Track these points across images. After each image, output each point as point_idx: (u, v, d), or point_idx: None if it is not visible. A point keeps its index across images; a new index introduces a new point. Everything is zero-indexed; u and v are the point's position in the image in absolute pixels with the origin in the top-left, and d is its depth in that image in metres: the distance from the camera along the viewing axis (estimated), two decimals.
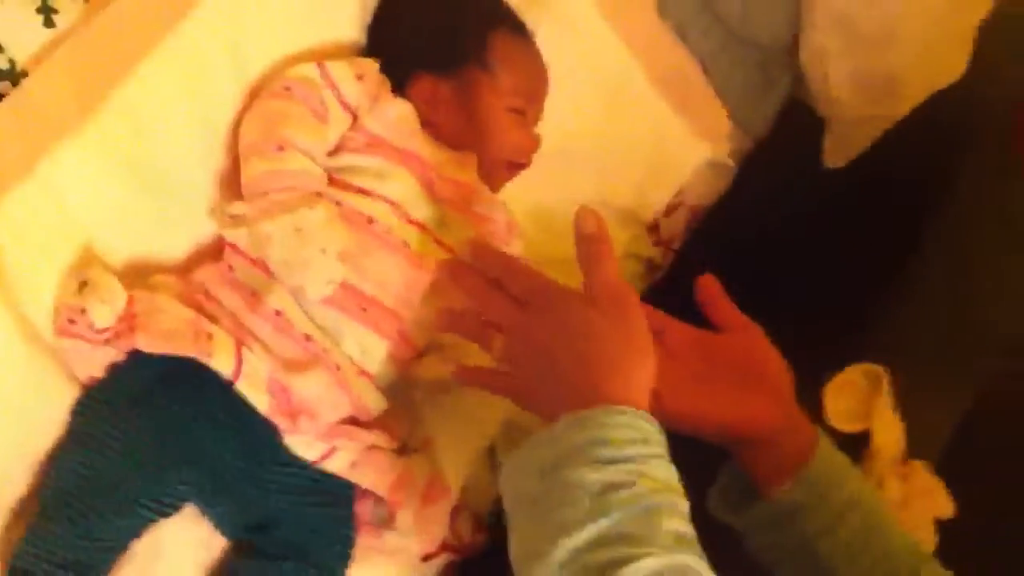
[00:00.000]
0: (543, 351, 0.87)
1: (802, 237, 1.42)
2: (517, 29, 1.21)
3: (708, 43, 1.46)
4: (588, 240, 0.90)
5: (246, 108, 1.06)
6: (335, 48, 1.15)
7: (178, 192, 1.05)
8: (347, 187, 1.07)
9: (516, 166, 1.20)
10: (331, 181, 1.07)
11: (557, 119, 1.29)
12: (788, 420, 0.97)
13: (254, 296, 1.02)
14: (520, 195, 1.27)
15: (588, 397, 0.80)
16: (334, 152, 1.09)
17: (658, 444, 0.80)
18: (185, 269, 1.06)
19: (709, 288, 1.04)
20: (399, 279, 1.05)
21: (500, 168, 1.18)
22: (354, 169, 1.08)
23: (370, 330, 1.04)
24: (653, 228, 1.46)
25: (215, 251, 1.07)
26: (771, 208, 1.46)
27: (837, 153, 1.46)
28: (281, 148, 1.01)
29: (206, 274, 1.04)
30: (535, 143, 1.19)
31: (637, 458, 0.77)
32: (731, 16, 1.43)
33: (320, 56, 1.11)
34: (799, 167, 1.49)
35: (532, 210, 1.30)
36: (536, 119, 1.21)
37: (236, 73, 1.06)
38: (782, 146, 1.55)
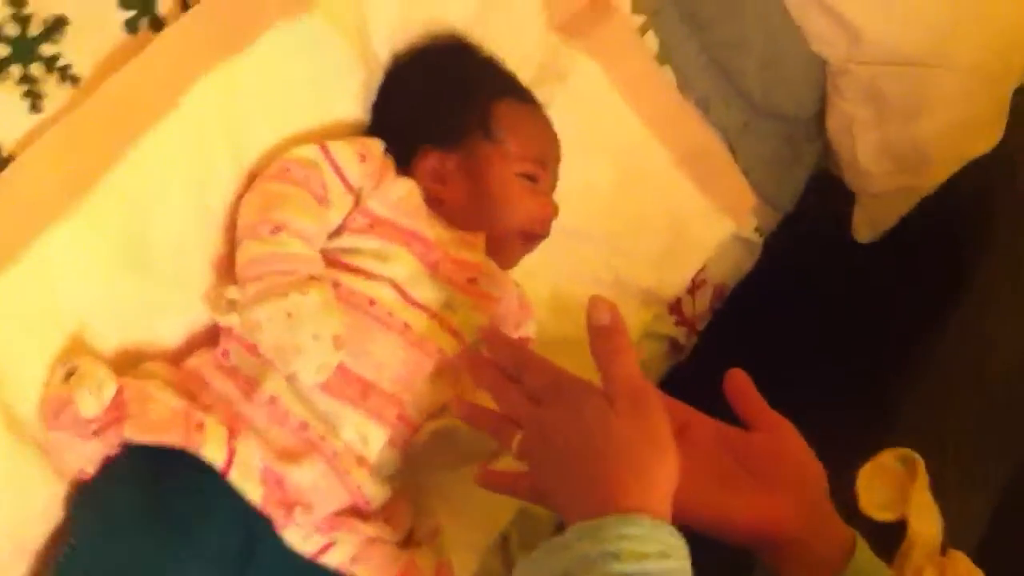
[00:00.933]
0: (560, 451, 0.84)
1: (830, 315, 1.38)
2: (522, 98, 1.20)
3: (732, 117, 1.44)
4: (603, 333, 0.86)
5: (244, 191, 1.05)
6: (338, 127, 1.13)
7: (172, 277, 1.02)
8: (348, 268, 1.04)
9: (532, 237, 1.16)
10: (332, 263, 1.05)
11: (572, 196, 1.26)
12: (821, 524, 0.92)
13: (249, 383, 0.99)
14: (534, 275, 1.25)
15: (605, 502, 0.77)
16: (336, 233, 1.07)
17: (679, 557, 0.75)
18: (179, 356, 1.03)
19: (739, 382, 0.98)
20: (400, 363, 1.02)
21: (514, 240, 1.15)
22: (356, 250, 1.06)
23: (369, 417, 1.00)
24: (675, 307, 1.43)
25: (210, 337, 1.04)
26: (799, 285, 1.43)
27: (867, 227, 1.42)
28: (276, 230, 0.99)
29: (200, 360, 1.02)
30: (550, 210, 1.16)
31: (654, 573, 0.73)
32: (754, 90, 1.41)
33: (322, 136, 1.09)
34: (828, 242, 1.46)
35: (547, 290, 1.29)
36: (550, 186, 1.19)
37: (233, 155, 1.04)
38: (811, 220, 1.52)
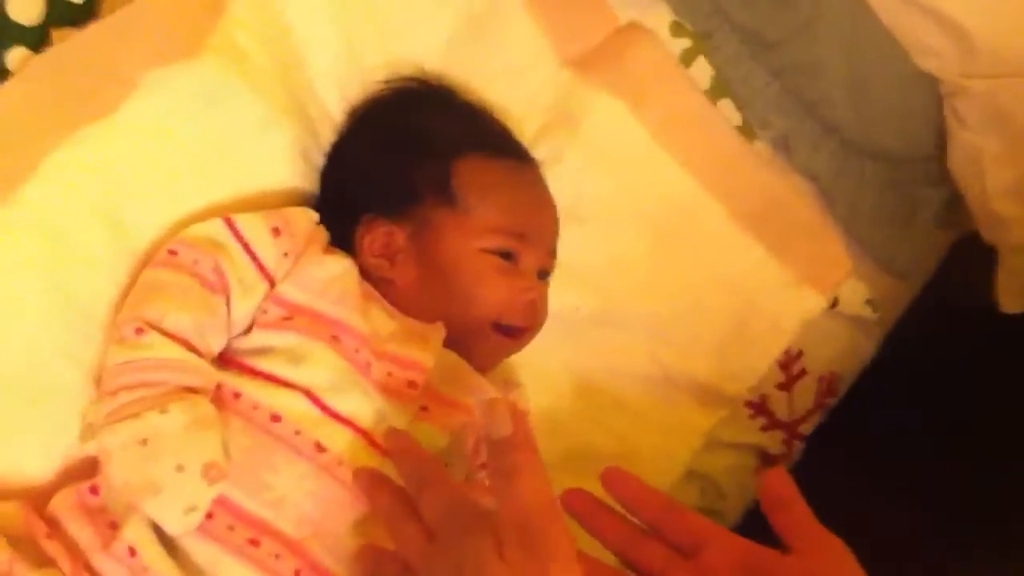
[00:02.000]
0: None
1: (973, 410, 1.05)
2: (499, 152, 0.96)
3: (821, 160, 1.14)
4: (500, 448, 0.67)
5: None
6: (267, 200, 0.93)
7: (42, 395, 0.84)
8: (253, 374, 0.84)
9: (512, 332, 0.94)
10: (237, 368, 0.85)
11: (599, 273, 1.06)
12: None
13: (112, 528, 0.79)
14: (554, 374, 1.05)
15: None
16: (246, 330, 0.87)
17: None
18: (52, 490, 0.84)
19: (776, 488, 0.73)
20: (306, 496, 0.80)
21: (485, 335, 0.93)
22: (266, 350, 0.86)
23: (260, 573, 0.79)
24: (759, 406, 1.15)
25: (90, 468, 0.84)
26: (933, 374, 1.13)
27: (1013, 292, 1.08)
28: (141, 331, 0.80)
29: (63, 497, 0.82)
30: (533, 297, 0.93)
31: None
32: (845, 123, 1.11)
33: (243, 210, 0.89)
34: (970, 316, 1.12)
35: (572, 393, 1.07)
36: (535, 266, 0.95)
37: (113, 241, 0.86)
38: (952, 291, 1.19)
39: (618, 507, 0.74)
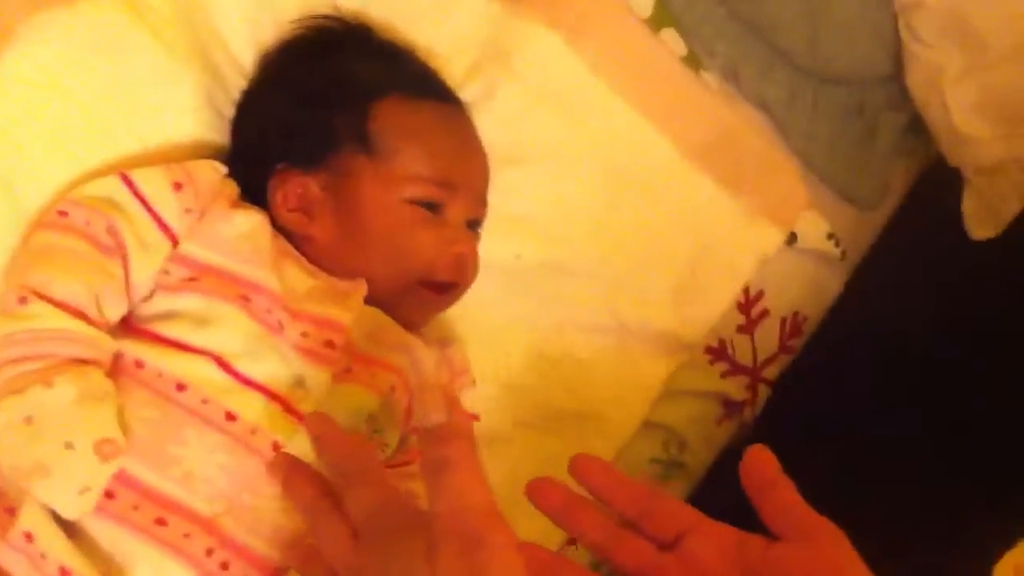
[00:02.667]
0: None
1: (947, 351, 1.00)
2: (421, 93, 0.89)
3: (772, 88, 1.08)
4: (433, 438, 0.58)
5: None
6: (172, 154, 0.86)
7: None
8: (158, 341, 0.78)
9: (440, 287, 0.88)
10: (139, 335, 0.79)
11: (545, 220, 1.00)
12: None
13: (9, 514, 0.74)
14: (503, 328, 1.00)
15: None
16: (149, 295, 0.81)
17: None
18: None
19: (758, 468, 0.65)
20: (218, 469, 0.75)
21: (412, 291, 0.87)
22: (170, 315, 0.80)
23: (169, 553, 0.73)
24: (719, 351, 1.09)
25: None
26: (903, 311, 1.05)
27: (981, 218, 1.03)
28: (25, 300, 0.74)
29: None
30: (462, 250, 0.88)
31: None
32: (797, 47, 1.05)
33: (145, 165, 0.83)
34: (941, 248, 1.06)
35: (523, 348, 1.01)
36: (468, 215, 0.90)
37: (2, 204, 0.81)
38: (913, 219, 1.13)
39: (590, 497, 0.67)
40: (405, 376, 0.84)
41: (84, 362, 0.74)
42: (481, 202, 0.92)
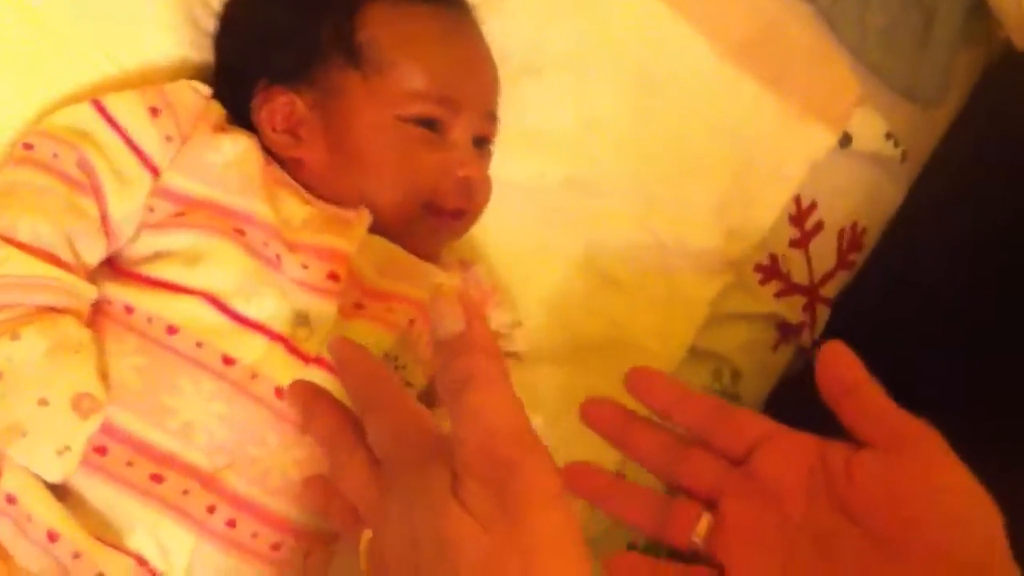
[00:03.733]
0: (399, 560, 0.52)
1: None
2: None
3: None
4: (450, 350, 0.52)
5: None
6: (152, 75, 0.80)
7: None
8: (146, 283, 0.72)
9: (447, 213, 0.81)
10: (126, 278, 0.73)
11: (569, 134, 0.93)
12: None
13: None
14: (525, 250, 0.93)
15: None
16: (136, 235, 0.74)
17: None
18: None
19: (835, 369, 0.58)
20: (217, 419, 0.69)
21: (418, 219, 0.80)
22: (159, 255, 0.74)
23: (167, 512, 0.68)
24: (771, 269, 1.02)
25: None
26: (975, 217, 0.98)
27: None
28: None
29: None
30: (469, 173, 0.80)
31: None
32: None
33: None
34: (1013, 146, 0.98)
35: (555, 274, 0.95)
36: (474, 133, 0.83)
37: None
38: (981, 115, 1.05)
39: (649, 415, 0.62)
40: (422, 306, 0.78)
41: (57, 311, 0.68)
42: (489, 118, 0.84)
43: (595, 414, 0.62)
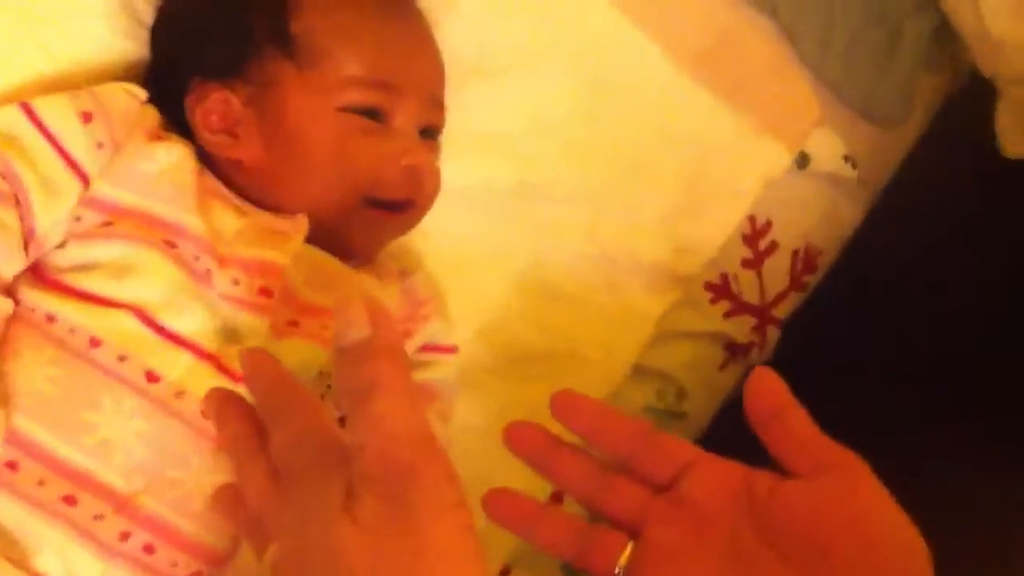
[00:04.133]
0: (292, 573, 0.50)
1: (976, 288, 0.93)
2: None
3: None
4: (352, 358, 0.51)
5: None
6: (84, 75, 0.77)
7: None
8: (72, 295, 0.70)
9: (392, 206, 0.78)
10: (51, 288, 0.70)
11: (516, 135, 0.91)
12: None
13: None
14: (469, 257, 0.91)
15: None
16: (61, 244, 0.72)
17: None
18: None
19: (764, 394, 0.59)
20: (135, 438, 0.67)
21: (358, 213, 0.78)
22: (87, 266, 0.71)
23: (76, 537, 0.66)
24: (722, 289, 1.00)
25: None
26: (930, 243, 0.98)
27: (1018, 133, 0.93)
28: None
29: None
30: (416, 161, 0.78)
31: None
32: None
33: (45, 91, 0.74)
34: (972, 172, 0.98)
35: (496, 279, 0.93)
36: (420, 121, 0.81)
37: None
38: (941, 140, 1.05)
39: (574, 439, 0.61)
40: None
41: None
42: (435, 105, 0.82)
43: (518, 438, 0.60)
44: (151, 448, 0.66)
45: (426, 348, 0.84)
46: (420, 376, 0.82)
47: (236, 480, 0.57)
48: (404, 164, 0.77)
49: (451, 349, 0.86)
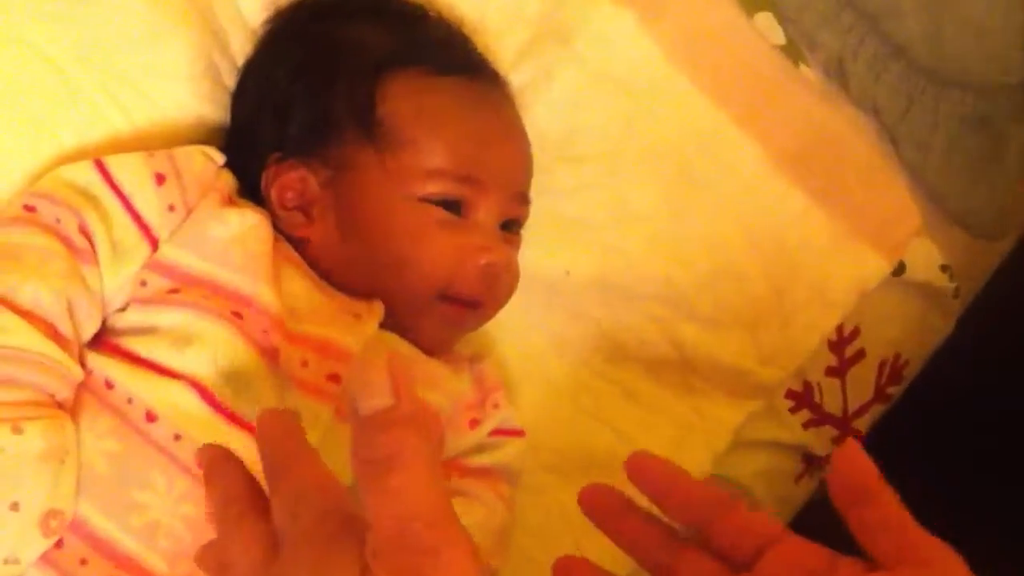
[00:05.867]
0: None
1: None
2: (443, 67, 0.78)
3: (887, 90, 0.94)
4: (372, 427, 0.47)
5: None
6: (167, 136, 0.77)
7: None
8: (130, 360, 0.68)
9: (466, 304, 0.76)
10: (110, 351, 0.69)
11: (596, 223, 0.89)
12: None
13: None
14: (540, 351, 0.90)
15: None
16: (123, 307, 0.71)
17: None
18: None
19: (851, 474, 0.54)
20: (186, 526, 0.65)
21: (431, 309, 0.76)
22: (146, 330, 0.69)
23: None
24: (803, 398, 0.97)
25: None
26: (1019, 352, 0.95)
27: None
28: None
29: None
30: (494, 258, 0.76)
31: None
32: (916, 40, 0.92)
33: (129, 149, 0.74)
34: None
35: (567, 375, 0.91)
36: (501, 215, 0.78)
37: None
38: None
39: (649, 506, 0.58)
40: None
41: (56, 403, 0.64)
42: (519, 200, 0.80)
43: (590, 499, 0.58)
44: (199, 535, 0.64)
45: (494, 432, 0.82)
46: (487, 459, 0.80)
47: (219, 550, 0.52)
48: (481, 262, 0.75)
49: (519, 432, 0.84)
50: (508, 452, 0.83)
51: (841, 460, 0.54)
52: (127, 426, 0.65)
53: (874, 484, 0.53)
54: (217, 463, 0.54)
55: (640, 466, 0.57)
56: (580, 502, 0.58)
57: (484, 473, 0.80)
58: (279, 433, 0.53)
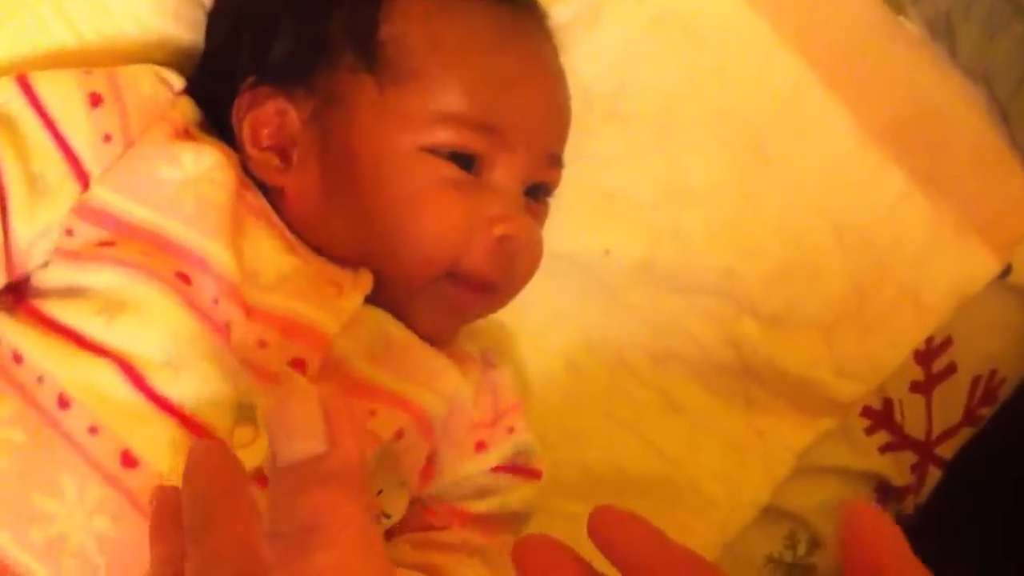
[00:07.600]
0: None
1: None
2: None
3: (1000, 55, 0.82)
4: (300, 479, 0.38)
5: None
6: (114, 57, 0.65)
7: None
8: (45, 327, 0.57)
9: (474, 285, 0.64)
10: (24, 314, 0.58)
11: (644, 197, 0.79)
12: None
13: None
14: (569, 346, 0.79)
15: None
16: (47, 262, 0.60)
17: None
18: None
19: (863, 536, 0.41)
20: (96, 545, 0.54)
21: (434, 288, 0.64)
22: (72, 291, 0.58)
23: None
24: (882, 417, 0.86)
25: None
26: None
27: None
28: None
29: None
30: (509, 228, 0.63)
31: None
32: None
33: None
34: None
35: (600, 379, 0.80)
36: (525, 178, 0.66)
37: None
38: None
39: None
40: (421, 414, 0.61)
41: None
42: (548, 160, 0.68)
43: (522, 554, 0.45)
44: (112, 556, 0.53)
45: (503, 469, 0.69)
46: (495, 504, 0.68)
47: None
48: (496, 234, 0.62)
49: (536, 474, 0.71)
50: (520, 498, 0.70)
51: (851, 520, 0.41)
52: (35, 411, 0.55)
53: (890, 549, 0.40)
54: (171, 511, 0.44)
55: (604, 522, 0.45)
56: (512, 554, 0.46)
57: (489, 522, 0.68)
58: (207, 477, 0.43)
